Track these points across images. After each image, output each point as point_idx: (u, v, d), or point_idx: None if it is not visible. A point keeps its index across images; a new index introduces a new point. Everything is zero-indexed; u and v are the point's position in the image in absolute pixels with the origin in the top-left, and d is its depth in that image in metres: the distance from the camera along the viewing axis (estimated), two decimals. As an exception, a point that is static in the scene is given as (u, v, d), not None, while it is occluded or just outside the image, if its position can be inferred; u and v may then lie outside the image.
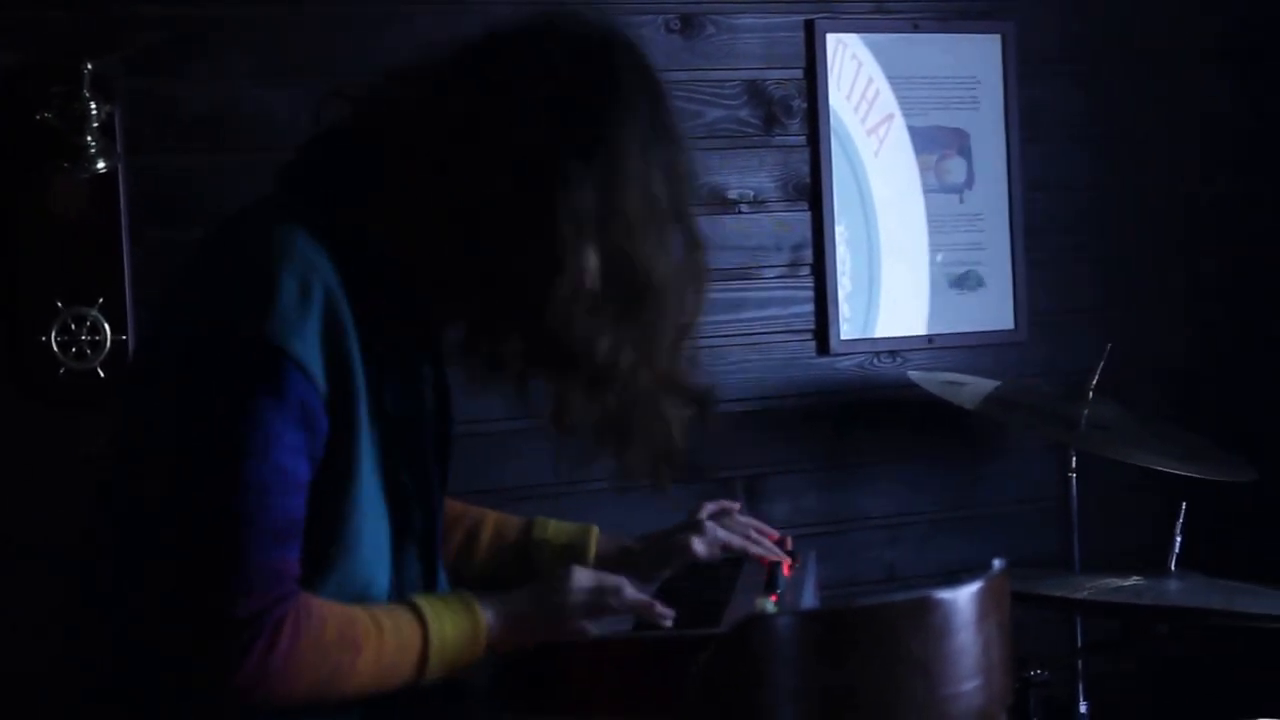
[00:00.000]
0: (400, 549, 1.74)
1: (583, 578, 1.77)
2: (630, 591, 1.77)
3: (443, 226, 1.67)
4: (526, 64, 1.69)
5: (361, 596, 1.68)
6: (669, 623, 1.73)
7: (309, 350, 1.58)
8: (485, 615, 1.72)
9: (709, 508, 2.09)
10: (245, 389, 1.55)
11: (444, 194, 1.66)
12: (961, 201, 3.28)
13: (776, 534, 2.10)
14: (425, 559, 1.78)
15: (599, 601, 1.75)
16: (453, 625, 1.70)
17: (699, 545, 2.02)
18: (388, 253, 1.69)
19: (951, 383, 3.02)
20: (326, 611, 1.61)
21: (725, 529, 2.05)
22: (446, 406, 1.84)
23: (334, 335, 1.60)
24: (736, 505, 2.12)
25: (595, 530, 2.09)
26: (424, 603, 1.70)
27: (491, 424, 2.46)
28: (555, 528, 2.09)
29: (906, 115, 3.23)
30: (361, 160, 1.71)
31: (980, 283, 3.29)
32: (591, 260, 1.65)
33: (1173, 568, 2.57)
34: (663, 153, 1.72)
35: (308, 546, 1.61)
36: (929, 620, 1.51)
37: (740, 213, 3.11)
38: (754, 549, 2.03)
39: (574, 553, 2.04)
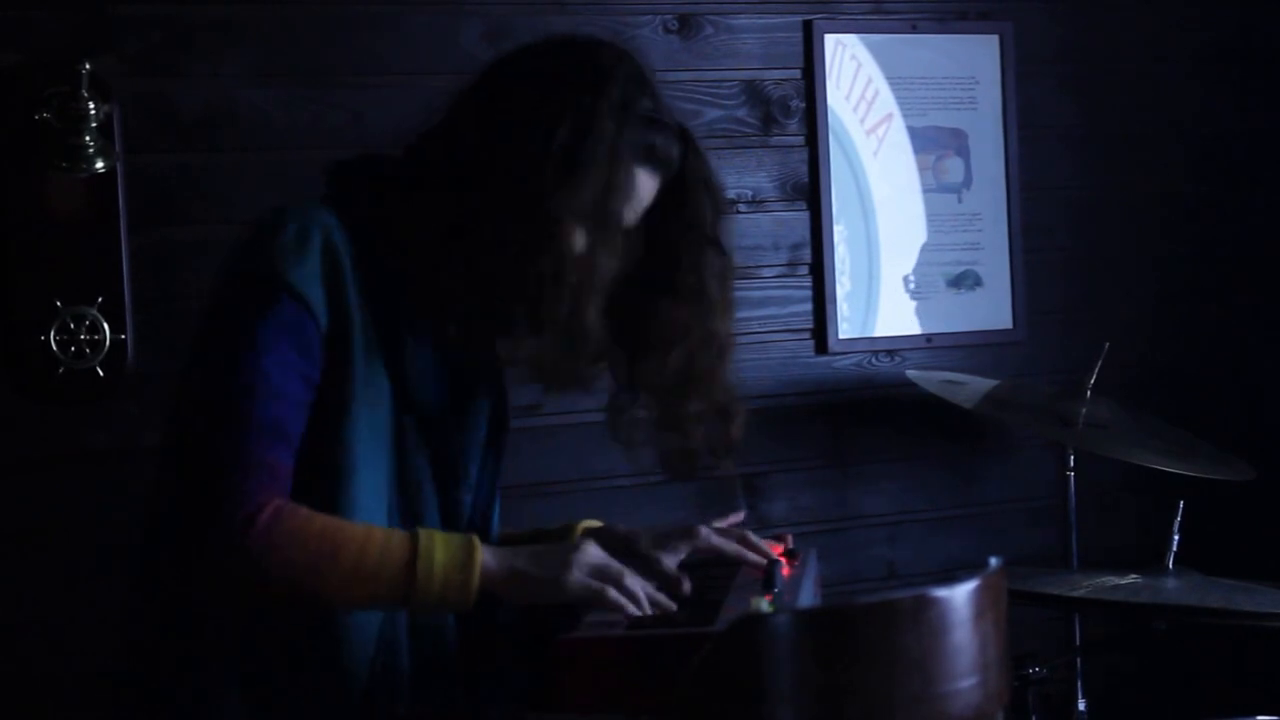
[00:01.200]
0: (405, 508, 1.82)
1: (592, 553, 1.79)
2: (631, 582, 1.77)
3: (442, 226, 1.81)
4: (519, 78, 1.86)
5: None
6: (633, 611, 1.74)
7: (307, 283, 1.75)
8: (483, 552, 1.75)
9: (717, 523, 2.11)
10: (244, 311, 1.75)
11: (445, 199, 1.81)
12: (960, 201, 3.29)
13: (779, 547, 2.09)
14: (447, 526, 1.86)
15: (599, 578, 1.76)
16: (444, 550, 1.74)
17: (702, 531, 2.02)
18: (397, 246, 1.82)
19: (950, 382, 3.03)
20: (312, 512, 1.71)
21: (721, 536, 2.05)
22: (496, 406, 1.97)
23: (333, 278, 1.77)
24: (741, 516, 2.13)
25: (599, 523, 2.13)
26: (424, 529, 1.77)
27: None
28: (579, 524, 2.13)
29: (905, 115, 3.24)
30: (390, 170, 1.89)
31: (978, 282, 3.29)
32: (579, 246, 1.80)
33: (1170, 566, 2.57)
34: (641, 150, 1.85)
35: (302, 476, 1.74)
36: (925, 618, 1.51)
37: (739, 212, 3.11)
38: (749, 556, 2.02)
39: (570, 533, 2.08)
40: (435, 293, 1.83)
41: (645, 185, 1.88)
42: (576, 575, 1.76)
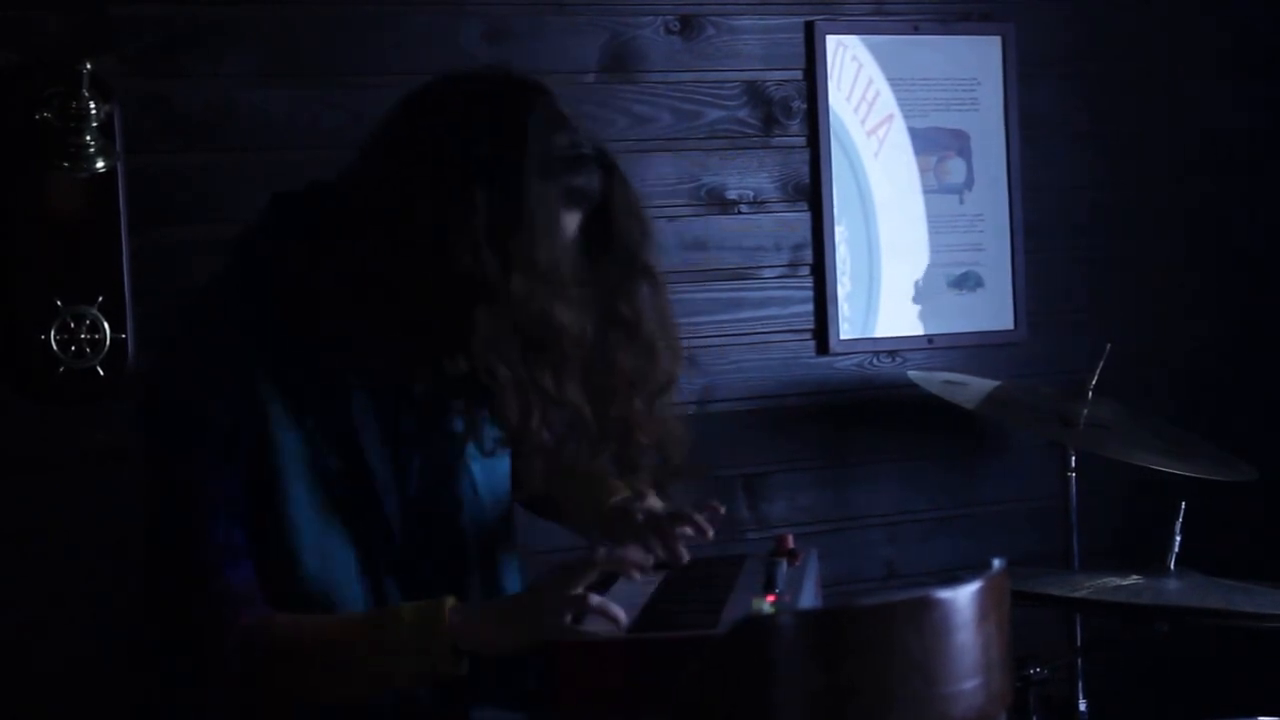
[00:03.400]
0: (373, 578, 1.85)
1: (551, 590, 1.76)
2: (599, 553, 1.79)
3: (365, 270, 1.78)
4: (429, 128, 1.80)
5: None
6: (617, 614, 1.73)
7: (215, 396, 1.79)
8: (450, 602, 1.75)
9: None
10: (170, 440, 1.81)
11: (364, 243, 1.78)
12: (961, 202, 3.28)
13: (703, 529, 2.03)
14: (417, 591, 1.85)
15: (566, 579, 1.74)
16: (411, 610, 1.76)
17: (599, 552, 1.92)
18: (324, 299, 1.81)
19: (951, 382, 3.02)
20: (283, 622, 1.78)
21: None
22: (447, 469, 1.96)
23: (242, 383, 1.79)
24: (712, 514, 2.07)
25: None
26: (391, 606, 1.82)
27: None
28: None
29: (906, 116, 3.24)
30: (303, 221, 1.86)
31: (980, 283, 3.29)
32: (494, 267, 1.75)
33: (1171, 567, 2.57)
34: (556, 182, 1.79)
35: (261, 573, 1.80)
36: (929, 619, 1.51)
37: (740, 213, 3.11)
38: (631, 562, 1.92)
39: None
40: (376, 371, 1.84)
41: (569, 224, 1.83)
42: (540, 620, 1.73)
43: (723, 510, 2.06)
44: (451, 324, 1.75)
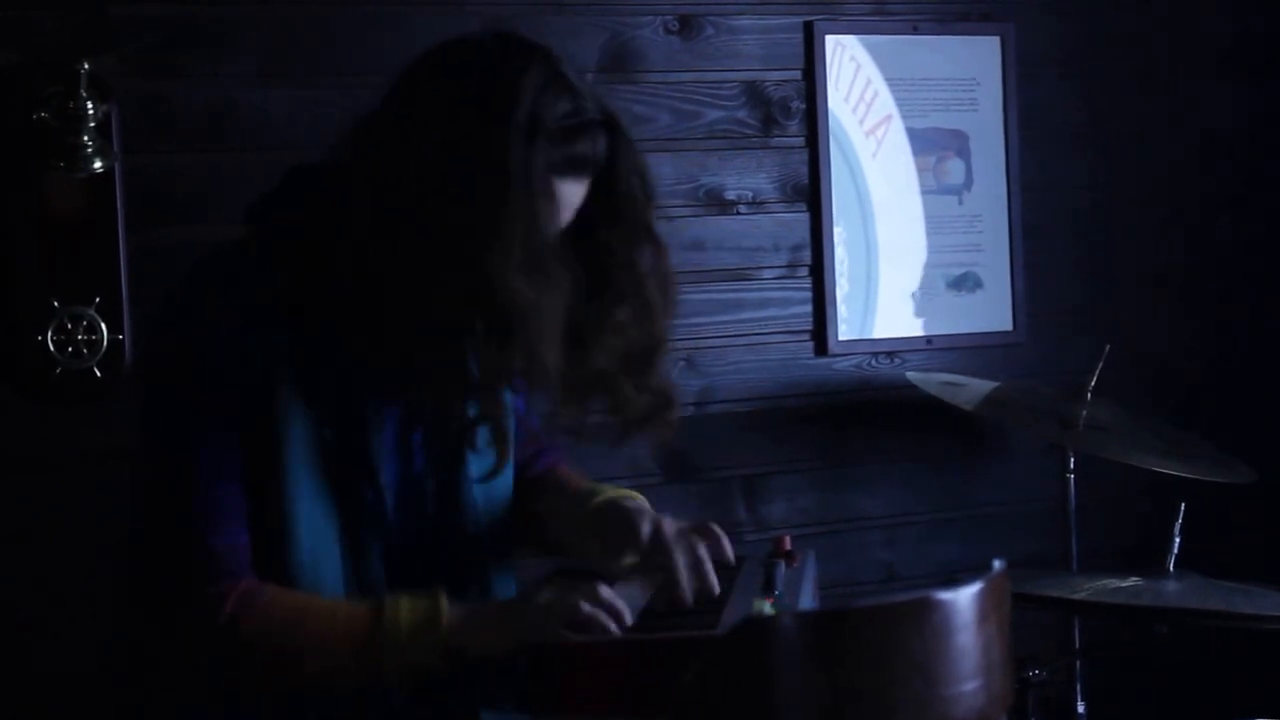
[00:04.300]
0: (357, 554, 1.83)
1: (551, 589, 1.77)
2: (605, 591, 1.75)
3: (371, 246, 1.76)
4: (426, 105, 1.77)
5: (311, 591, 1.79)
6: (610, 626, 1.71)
7: (223, 352, 1.76)
8: (447, 603, 1.74)
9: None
10: (169, 395, 1.79)
11: (370, 217, 1.76)
12: (960, 203, 3.28)
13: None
14: (404, 568, 1.85)
15: (567, 600, 1.73)
16: (409, 607, 1.74)
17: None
18: (333, 271, 1.79)
19: (950, 383, 3.02)
20: (277, 591, 1.75)
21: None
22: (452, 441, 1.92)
23: (247, 340, 1.76)
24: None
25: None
26: (389, 596, 1.77)
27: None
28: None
29: (905, 117, 3.23)
30: (313, 199, 1.84)
31: (978, 284, 3.29)
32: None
33: (1171, 568, 2.57)
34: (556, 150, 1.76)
35: (253, 535, 1.77)
36: (929, 621, 1.51)
37: (738, 214, 3.11)
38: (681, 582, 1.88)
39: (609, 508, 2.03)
40: (372, 342, 1.80)
41: (572, 193, 1.81)
42: (543, 599, 1.74)
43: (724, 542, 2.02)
44: (421, 292, 1.73)
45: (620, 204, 1.85)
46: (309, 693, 1.79)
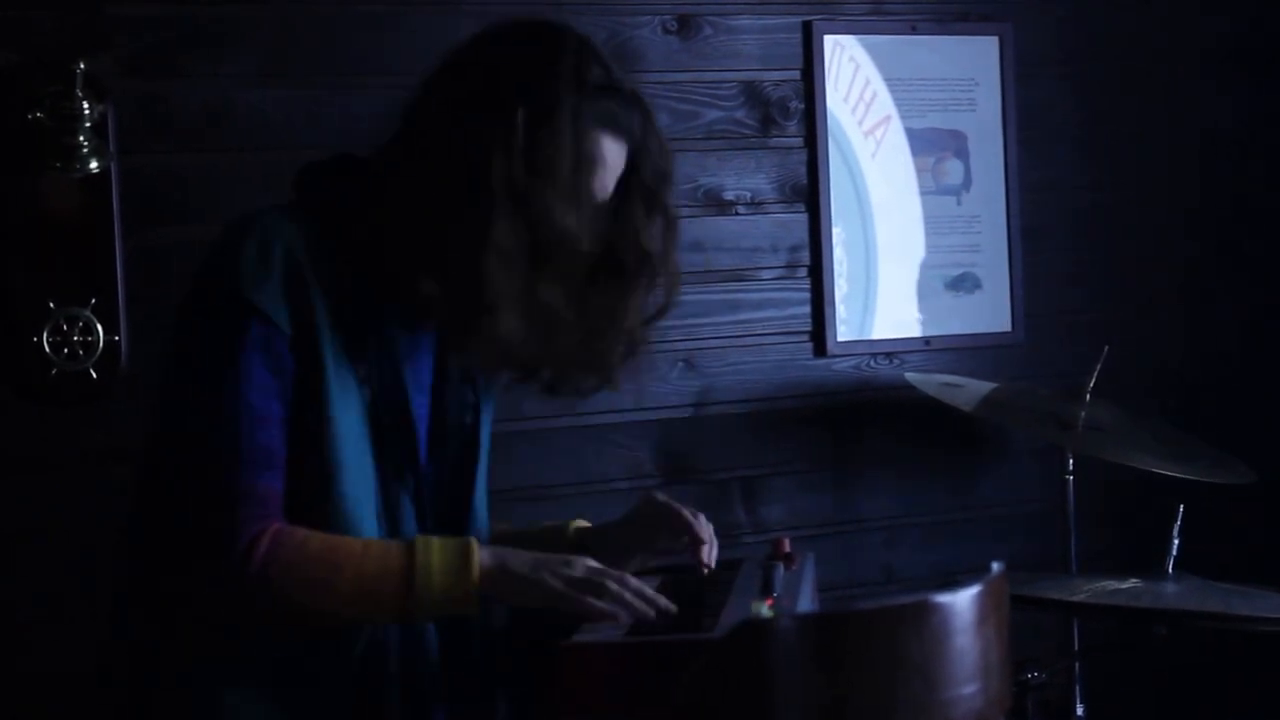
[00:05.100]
0: (389, 497, 1.86)
1: (580, 566, 1.82)
2: (633, 582, 1.81)
3: (415, 225, 1.84)
4: (474, 67, 1.89)
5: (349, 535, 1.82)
6: (622, 616, 1.77)
7: (272, 300, 1.79)
8: (480, 550, 1.79)
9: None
10: (216, 338, 1.79)
11: (415, 197, 1.84)
12: (959, 203, 3.28)
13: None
14: (432, 516, 1.90)
15: (579, 588, 1.79)
16: (441, 552, 1.79)
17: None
18: (367, 249, 1.85)
19: (949, 384, 3.02)
20: (309, 533, 1.77)
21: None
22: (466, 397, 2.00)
23: (297, 290, 1.80)
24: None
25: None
26: (420, 536, 1.82)
27: (507, 424, 2.46)
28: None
29: (904, 117, 3.23)
30: (359, 170, 1.92)
31: (977, 285, 3.28)
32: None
33: (1170, 570, 2.57)
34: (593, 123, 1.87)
35: (290, 484, 1.79)
36: (928, 623, 1.50)
37: (737, 214, 3.10)
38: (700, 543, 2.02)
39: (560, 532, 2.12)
40: (413, 295, 1.84)
41: (613, 152, 1.90)
42: (557, 582, 1.80)
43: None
44: (472, 230, 1.80)
45: (643, 178, 1.94)
46: (334, 636, 1.81)
